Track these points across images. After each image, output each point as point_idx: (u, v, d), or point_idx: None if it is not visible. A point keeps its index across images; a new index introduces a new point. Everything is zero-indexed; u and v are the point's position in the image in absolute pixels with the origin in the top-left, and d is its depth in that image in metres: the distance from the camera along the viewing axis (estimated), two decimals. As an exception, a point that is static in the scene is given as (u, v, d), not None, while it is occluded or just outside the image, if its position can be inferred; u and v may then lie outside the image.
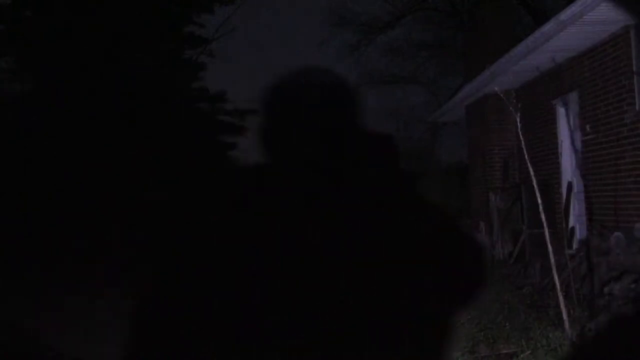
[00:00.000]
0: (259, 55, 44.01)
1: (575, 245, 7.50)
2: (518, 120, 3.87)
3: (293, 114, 1.15)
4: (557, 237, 7.05)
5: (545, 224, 3.68)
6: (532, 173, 3.72)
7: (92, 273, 10.54)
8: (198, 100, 20.28)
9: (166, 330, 1.15)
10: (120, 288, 8.77)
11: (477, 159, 10.85)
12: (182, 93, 18.96)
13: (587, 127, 7.11)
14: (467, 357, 4.34)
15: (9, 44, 15.81)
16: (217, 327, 1.05)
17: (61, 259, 11.44)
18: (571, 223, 7.83)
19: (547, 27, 6.53)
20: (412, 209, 1.15)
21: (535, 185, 3.74)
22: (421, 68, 20.27)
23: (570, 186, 7.90)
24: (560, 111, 8.16)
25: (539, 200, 3.69)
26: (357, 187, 1.07)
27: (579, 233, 7.71)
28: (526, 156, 3.82)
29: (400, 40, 20.11)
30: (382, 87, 22.09)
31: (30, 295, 8.33)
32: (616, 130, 6.32)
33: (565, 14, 6.07)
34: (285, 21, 50.18)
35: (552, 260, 3.64)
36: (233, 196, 1.16)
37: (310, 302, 0.99)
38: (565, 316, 3.57)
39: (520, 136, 3.92)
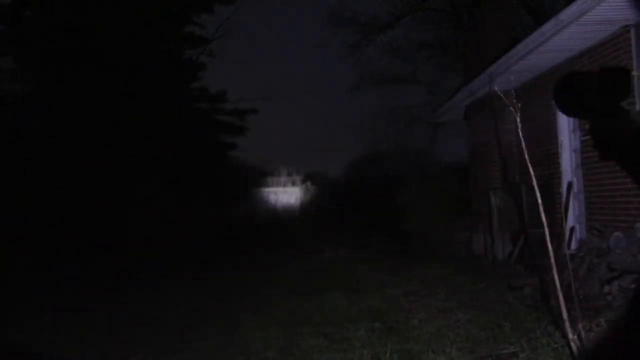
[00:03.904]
0: (259, 56, 43.99)
1: (575, 245, 7.50)
2: (518, 120, 3.86)
3: None
4: (557, 237, 7.04)
5: (545, 224, 3.67)
6: (532, 173, 3.72)
7: (92, 271, 10.54)
8: (198, 100, 20.31)
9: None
10: (123, 284, 8.71)
11: (477, 159, 10.85)
12: (182, 93, 18.97)
13: (587, 127, 7.11)
14: (467, 357, 4.34)
15: (9, 44, 15.80)
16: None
17: (61, 257, 11.43)
18: (571, 223, 7.83)
19: (547, 27, 6.53)
20: None
21: (535, 185, 3.73)
22: (421, 68, 20.29)
23: (570, 186, 7.90)
24: (561, 111, 8.14)
25: (539, 200, 3.68)
26: None
27: (579, 233, 7.71)
28: (526, 156, 3.81)
29: (400, 40, 20.13)
30: (382, 87, 22.14)
31: (28, 299, 8.32)
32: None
33: (565, 14, 6.07)
34: (285, 21, 50.17)
35: (552, 260, 3.64)
36: None
37: None
38: (565, 316, 3.56)
39: (520, 136, 3.91)
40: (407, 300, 6.74)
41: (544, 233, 3.66)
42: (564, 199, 7.91)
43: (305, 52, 53.11)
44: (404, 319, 5.72)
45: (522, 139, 3.93)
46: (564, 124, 8.15)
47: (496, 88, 4.73)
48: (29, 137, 13.75)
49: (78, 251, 12.07)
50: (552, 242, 3.68)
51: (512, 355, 4.28)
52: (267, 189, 25.35)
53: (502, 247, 9.21)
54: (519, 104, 4.07)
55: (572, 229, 7.82)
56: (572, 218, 7.84)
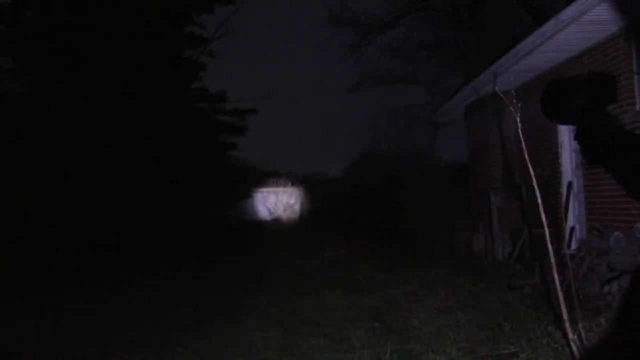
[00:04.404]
0: (259, 55, 44.00)
1: (575, 245, 7.50)
2: (518, 120, 3.86)
3: None
4: (557, 237, 7.05)
5: (545, 224, 3.67)
6: (532, 173, 3.72)
7: (91, 271, 10.54)
8: (198, 100, 20.30)
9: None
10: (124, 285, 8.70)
11: (477, 159, 10.85)
12: (182, 93, 18.97)
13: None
14: (467, 357, 4.34)
15: (9, 44, 15.80)
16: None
17: (61, 257, 11.42)
18: (571, 223, 7.83)
19: (547, 27, 6.53)
20: None
21: (535, 185, 3.73)
22: (421, 68, 20.31)
23: (570, 186, 7.90)
24: (560, 111, 8.14)
25: (539, 200, 3.68)
26: None
27: (579, 233, 7.71)
28: (526, 156, 3.81)
29: (400, 40, 20.19)
30: (382, 87, 22.14)
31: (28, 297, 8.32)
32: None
33: (565, 14, 6.07)
34: (285, 21, 50.17)
35: (552, 260, 3.64)
36: None
37: None
38: (565, 316, 3.56)
39: (520, 136, 3.91)
40: (407, 300, 6.74)
41: (544, 233, 3.66)
42: (564, 199, 7.91)
43: (305, 52, 53.14)
44: (404, 319, 5.72)
45: (522, 139, 3.93)
46: (564, 124, 8.14)
47: (496, 88, 4.74)
48: (29, 137, 13.75)
49: (77, 251, 12.07)
50: (552, 242, 3.68)
51: (512, 355, 4.28)
52: (267, 189, 25.42)
53: (502, 247, 9.21)
54: (519, 104, 4.07)
55: (572, 229, 7.82)
56: (572, 218, 7.84)
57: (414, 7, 18.83)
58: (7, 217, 12.03)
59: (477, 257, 9.98)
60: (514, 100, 4.34)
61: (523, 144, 3.94)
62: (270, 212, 24.38)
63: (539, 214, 3.68)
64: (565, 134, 8.13)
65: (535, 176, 3.75)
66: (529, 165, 3.75)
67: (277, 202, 25.00)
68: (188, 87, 19.68)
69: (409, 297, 6.95)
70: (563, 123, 1.71)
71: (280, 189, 25.60)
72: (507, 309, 5.66)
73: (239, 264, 11.55)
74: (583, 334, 3.65)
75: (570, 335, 3.55)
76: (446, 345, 4.59)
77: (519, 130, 3.85)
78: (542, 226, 3.68)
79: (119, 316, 6.91)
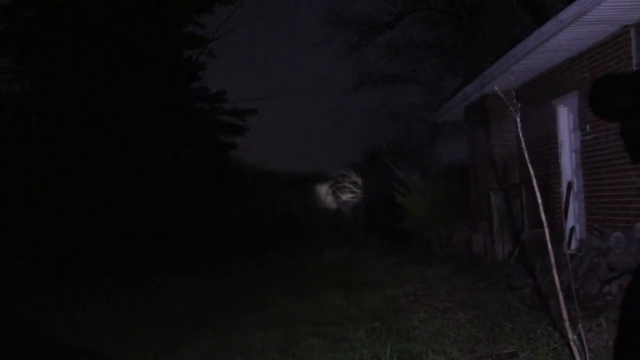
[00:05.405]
0: (259, 56, 43.96)
1: (575, 245, 7.51)
2: (518, 120, 3.86)
3: None
4: (557, 237, 7.04)
5: (545, 224, 3.67)
6: (532, 173, 3.72)
7: (91, 271, 10.54)
8: (198, 100, 20.29)
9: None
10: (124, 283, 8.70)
11: (477, 158, 10.85)
12: (182, 93, 18.96)
13: (587, 127, 7.11)
14: (467, 357, 4.34)
15: (9, 44, 15.79)
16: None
17: (61, 257, 11.42)
18: (571, 223, 7.84)
19: (547, 27, 6.53)
20: None
21: (535, 185, 3.73)
22: (421, 68, 20.27)
23: (570, 186, 7.90)
24: (560, 111, 8.16)
25: (539, 200, 3.68)
26: None
27: (579, 233, 7.72)
28: (526, 156, 3.81)
29: (400, 40, 20.11)
30: (382, 87, 22.10)
31: (40, 292, 8.33)
32: (616, 130, 6.31)
33: (565, 14, 6.07)
34: (285, 21, 50.12)
35: (552, 260, 3.64)
36: None
37: None
38: (565, 316, 3.56)
39: (520, 136, 3.91)
40: (407, 300, 6.75)
41: (543, 233, 3.66)
42: (564, 199, 7.91)
43: (305, 52, 53.04)
44: (404, 319, 5.73)
45: (522, 139, 3.93)
46: (564, 124, 8.16)
47: (496, 88, 4.74)
48: (29, 137, 13.74)
49: (77, 251, 12.08)
50: (552, 242, 3.68)
51: (512, 355, 4.28)
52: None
53: (502, 247, 9.21)
54: (519, 104, 4.08)
55: (572, 229, 7.82)
56: (572, 218, 7.85)
57: (414, 7, 18.81)
58: (6, 217, 12.03)
59: (477, 257, 9.99)
60: (514, 100, 4.34)
61: (523, 144, 3.94)
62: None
63: (538, 214, 3.68)
64: (566, 134, 8.14)
65: (535, 176, 3.75)
66: (529, 165, 3.75)
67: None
68: (188, 87, 19.67)
69: (409, 297, 6.95)
70: (610, 120, 1.74)
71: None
72: (507, 309, 5.66)
73: (239, 265, 11.55)
74: (583, 334, 3.65)
75: (570, 335, 3.55)
76: (446, 345, 4.59)
77: (519, 130, 3.85)
78: (542, 226, 3.68)
79: (119, 316, 6.92)
